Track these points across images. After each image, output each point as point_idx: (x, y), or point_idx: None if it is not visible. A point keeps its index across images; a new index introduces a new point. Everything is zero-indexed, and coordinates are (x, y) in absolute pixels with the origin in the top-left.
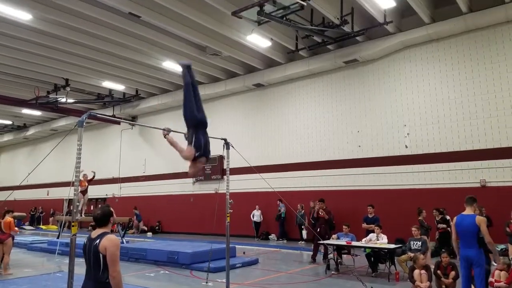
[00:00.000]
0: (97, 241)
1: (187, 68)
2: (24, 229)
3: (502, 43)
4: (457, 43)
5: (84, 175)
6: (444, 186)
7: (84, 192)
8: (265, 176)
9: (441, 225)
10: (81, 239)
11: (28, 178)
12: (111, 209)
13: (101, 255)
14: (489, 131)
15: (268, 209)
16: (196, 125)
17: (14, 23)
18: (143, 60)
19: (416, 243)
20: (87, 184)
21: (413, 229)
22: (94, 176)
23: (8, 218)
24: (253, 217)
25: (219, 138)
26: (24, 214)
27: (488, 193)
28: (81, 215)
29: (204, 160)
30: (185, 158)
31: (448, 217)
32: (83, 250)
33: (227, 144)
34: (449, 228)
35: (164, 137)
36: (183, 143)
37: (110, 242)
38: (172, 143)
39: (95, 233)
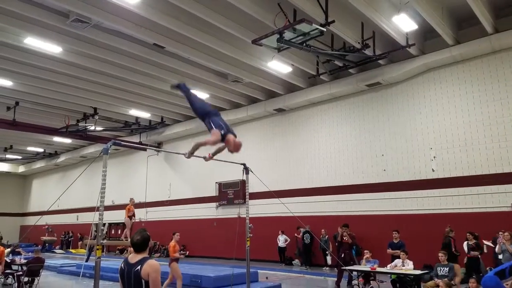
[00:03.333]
0: (138, 267)
1: (181, 87)
2: (55, 252)
3: None
4: (483, 64)
5: (131, 199)
6: (473, 211)
7: (131, 217)
8: (288, 200)
9: (473, 252)
10: (106, 262)
11: (59, 203)
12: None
13: (143, 281)
14: None
15: (292, 234)
16: (208, 113)
17: (45, 56)
18: (168, 88)
19: (443, 269)
20: (133, 211)
21: (440, 254)
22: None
23: (173, 242)
24: (278, 242)
25: (238, 163)
26: (55, 238)
27: None
28: (127, 239)
29: (231, 136)
30: (214, 141)
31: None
32: (120, 274)
33: (246, 169)
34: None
35: (188, 157)
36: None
37: (152, 268)
38: (197, 147)
39: (133, 257)
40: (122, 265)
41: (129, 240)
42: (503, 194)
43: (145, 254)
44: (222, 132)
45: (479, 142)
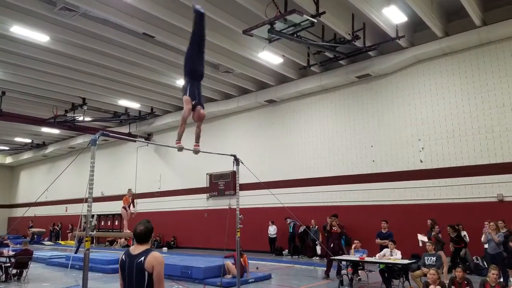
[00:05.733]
0: (142, 258)
1: (200, 16)
2: (44, 244)
3: None
4: (471, 57)
5: (129, 190)
6: (460, 201)
7: (127, 208)
8: (278, 191)
9: (452, 246)
10: (96, 254)
11: (48, 194)
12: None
13: (146, 273)
14: (506, 145)
15: (283, 225)
16: (191, 74)
17: (32, 45)
18: (158, 78)
19: (431, 259)
20: (130, 201)
21: (428, 244)
22: (133, 199)
23: None
24: (269, 232)
25: (229, 155)
26: (44, 230)
27: (505, 208)
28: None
29: (199, 107)
30: (187, 110)
31: (464, 233)
32: (121, 266)
33: (236, 160)
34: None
35: (180, 149)
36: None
37: (156, 260)
38: (181, 130)
39: (136, 249)
40: (123, 256)
41: (126, 231)
42: (489, 184)
43: (148, 246)
44: (193, 102)
45: (467, 133)
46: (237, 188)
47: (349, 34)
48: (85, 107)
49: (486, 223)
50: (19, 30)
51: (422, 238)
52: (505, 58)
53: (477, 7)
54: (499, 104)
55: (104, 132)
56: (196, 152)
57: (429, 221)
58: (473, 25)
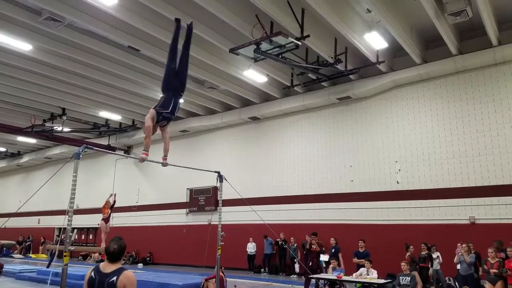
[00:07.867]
0: (114, 278)
1: (178, 22)
2: (13, 257)
3: (490, 84)
4: (447, 84)
5: (107, 201)
6: (434, 222)
7: (107, 220)
8: (259, 208)
9: (421, 264)
10: (68, 269)
11: (18, 205)
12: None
13: None
14: (478, 169)
15: (263, 242)
16: (168, 90)
17: (13, 53)
18: (141, 91)
19: (405, 279)
20: (109, 211)
21: (402, 264)
22: (115, 201)
23: None
24: (248, 250)
25: (213, 171)
26: (14, 242)
27: (477, 230)
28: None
29: (164, 123)
30: (147, 123)
31: (437, 254)
32: (89, 284)
33: (220, 177)
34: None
35: (141, 160)
36: None
37: (129, 280)
38: (146, 139)
39: (107, 267)
40: (93, 274)
41: (103, 245)
42: (462, 207)
43: (120, 264)
44: (163, 114)
45: (441, 157)
46: (220, 205)
47: (331, 57)
48: (64, 117)
49: (459, 244)
50: (0, 38)
51: (323, 258)
52: (479, 86)
53: (453, 37)
54: (472, 130)
55: (88, 145)
56: (164, 165)
57: (332, 240)
58: (450, 53)
